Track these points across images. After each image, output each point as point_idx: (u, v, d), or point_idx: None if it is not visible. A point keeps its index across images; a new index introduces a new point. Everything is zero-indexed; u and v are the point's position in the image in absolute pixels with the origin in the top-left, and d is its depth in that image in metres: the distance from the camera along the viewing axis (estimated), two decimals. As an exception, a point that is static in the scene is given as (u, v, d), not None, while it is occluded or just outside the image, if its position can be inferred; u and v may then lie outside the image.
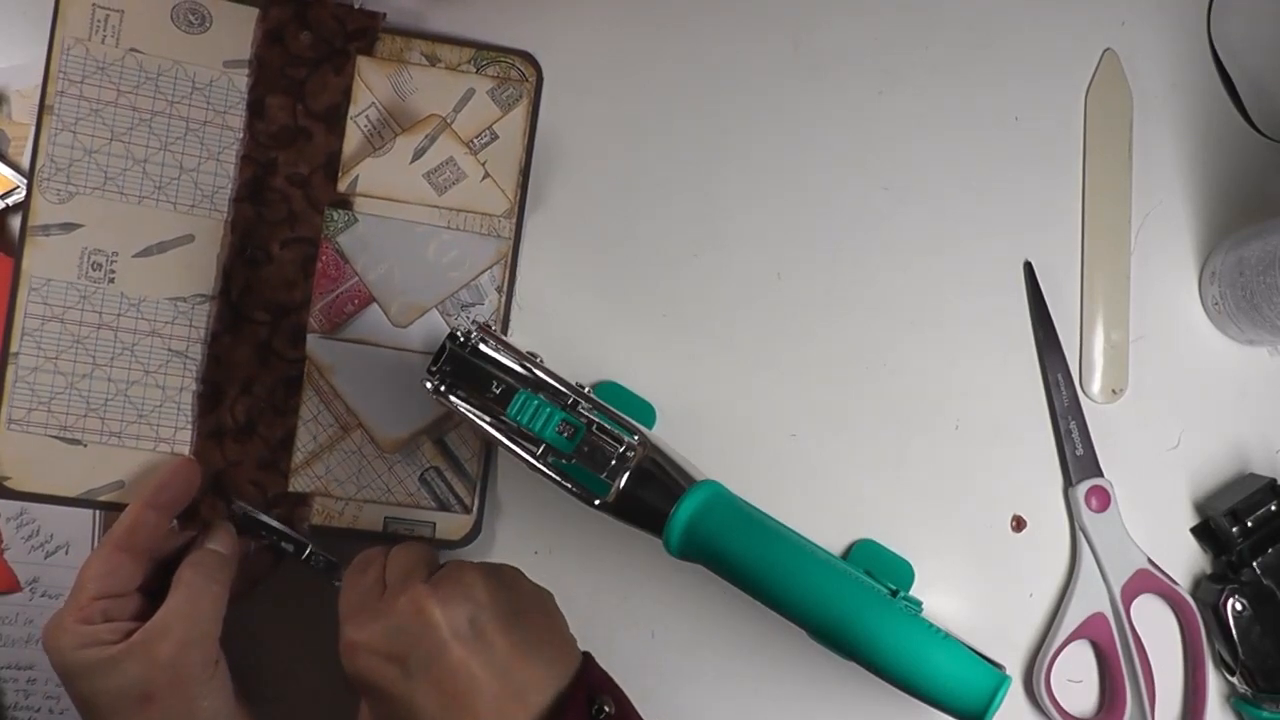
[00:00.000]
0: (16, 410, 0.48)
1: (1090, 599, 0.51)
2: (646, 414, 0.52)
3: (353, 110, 0.50)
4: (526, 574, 0.45)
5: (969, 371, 0.53)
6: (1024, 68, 0.55)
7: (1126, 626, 0.51)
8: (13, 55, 0.53)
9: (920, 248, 0.54)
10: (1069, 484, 0.53)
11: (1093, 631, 0.51)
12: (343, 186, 0.50)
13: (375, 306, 0.50)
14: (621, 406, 0.46)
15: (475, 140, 0.51)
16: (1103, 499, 0.52)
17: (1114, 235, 0.54)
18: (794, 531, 0.46)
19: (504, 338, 0.47)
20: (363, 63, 0.51)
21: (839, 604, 0.43)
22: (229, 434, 0.49)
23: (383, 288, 0.50)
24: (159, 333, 0.49)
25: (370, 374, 0.50)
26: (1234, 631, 0.50)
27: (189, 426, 0.49)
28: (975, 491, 0.53)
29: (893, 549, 0.52)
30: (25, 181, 0.52)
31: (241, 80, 0.50)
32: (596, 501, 0.44)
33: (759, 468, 0.52)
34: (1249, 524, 0.51)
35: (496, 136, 0.51)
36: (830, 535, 0.52)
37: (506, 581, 0.44)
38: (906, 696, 0.43)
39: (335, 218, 0.50)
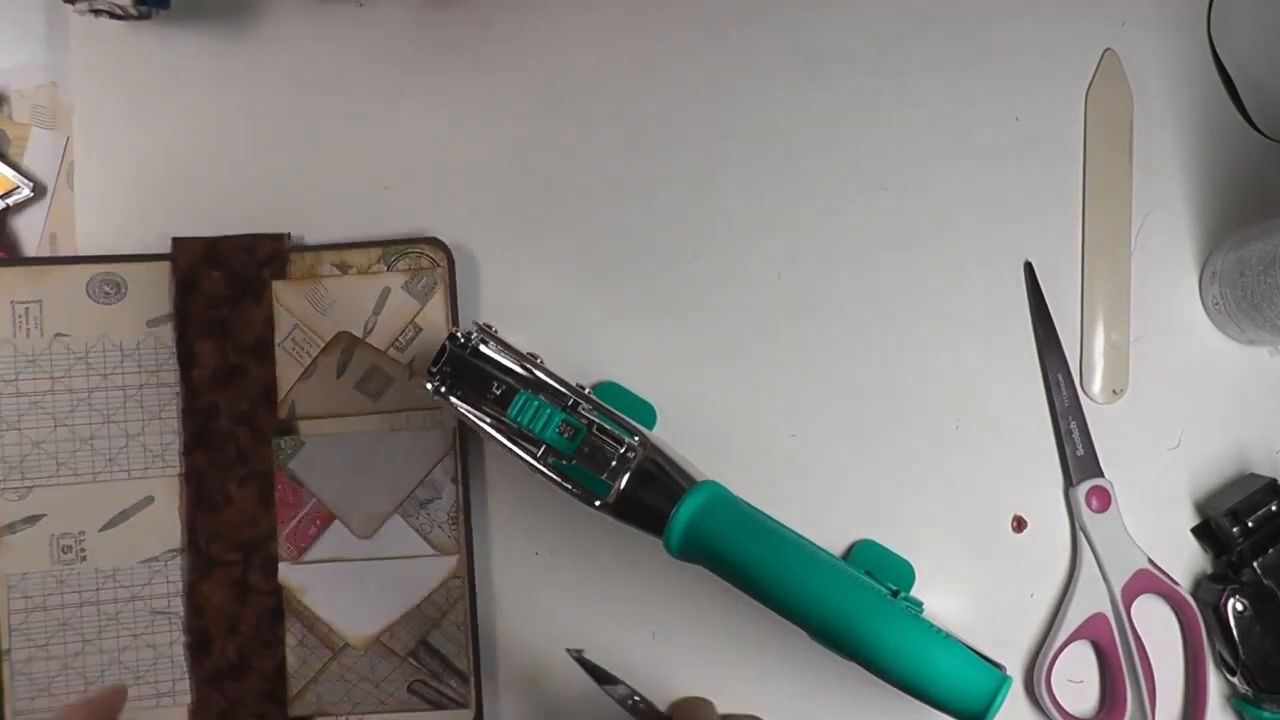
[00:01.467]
0: (19, 702, 0.49)
1: (1091, 599, 0.51)
2: (646, 414, 0.52)
3: (278, 337, 0.51)
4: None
5: (969, 372, 0.53)
6: (1024, 68, 0.55)
7: (1127, 626, 0.51)
8: (13, 55, 0.53)
9: (920, 248, 0.54)
10: (1069, 484, 0.53)
11: (1093, 631, 0.51)
12: (283, 413, 0.50)
13: (337, 523, 0.51)
14: (621, 407, 0.46)
15: (401, 338, 0.51)
16: (1103, 499, 0.52)
17: (1114, 235, 0.54)
18: (794, 532, 0.46)
19: (504, 339, 0.47)
20: (278, 287, 0.51)
21: (839, 604, 0.43)
22: (225, 675, 0.50)
23: (341, 504, 0.51)
24: (139, 596, 0.50)
25: (340, 585, 0.50)
26: (1234, 631, 0.50)
27: (185, 677, 0.50)
28: (975, 491, 0.53)
29: (893, 549, 0.52)
30: (27, 182, 0.52)
31: (167, 335, 0.51)
32: (597, 502, 0.44)
33: (759, 468, 0.52)
34: (1249, 524, 0.51)
35: (420, 329, 0.51)
36: (830, 535, 0.52)
37: None
38: (907, 697, 0.43)
39: (283, 445, 0.50)
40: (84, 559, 0.50)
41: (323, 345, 0.51)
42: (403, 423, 0.51)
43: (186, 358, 0.50)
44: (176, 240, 0.50)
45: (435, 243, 0.52)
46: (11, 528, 0.50)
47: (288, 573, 0.50)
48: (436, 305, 0.52)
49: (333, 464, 0.51)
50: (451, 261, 0.52)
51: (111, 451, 0.50)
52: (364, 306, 0.51)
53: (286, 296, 0.51)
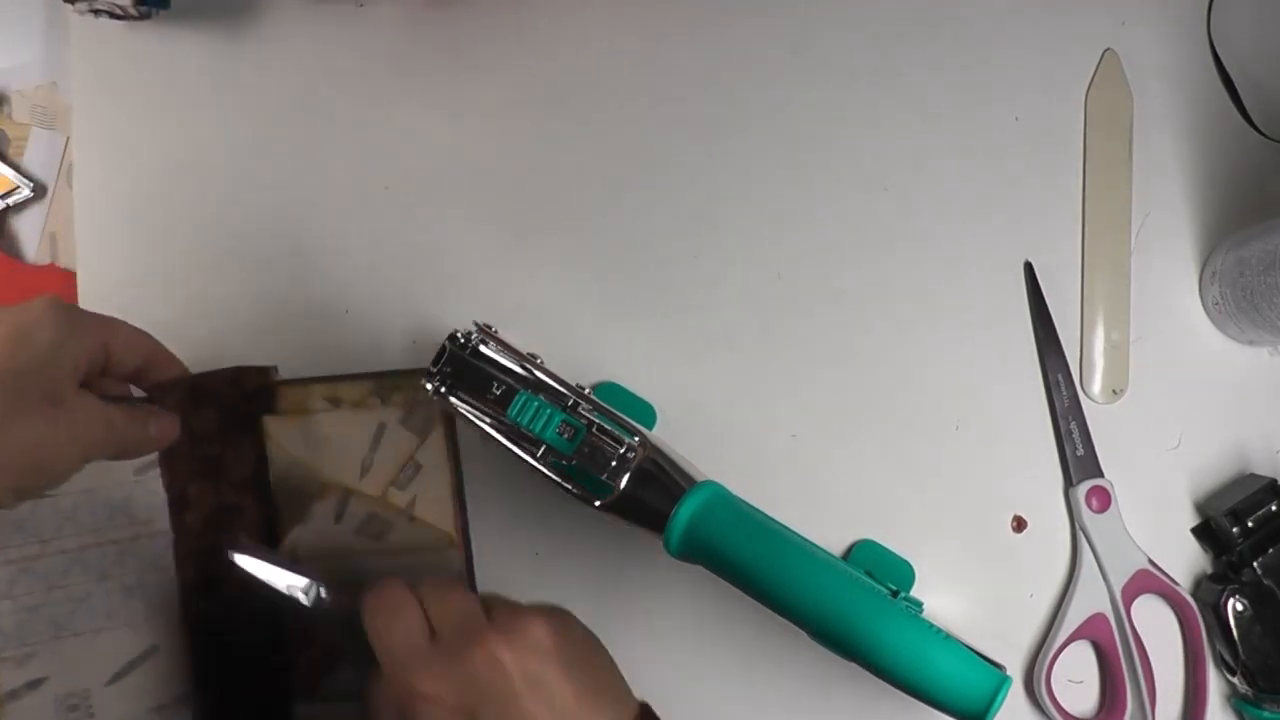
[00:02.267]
0: None
1: (1091, 599, 0.51)
2: (646, 414, 0.52)
3: (273, 474, 0.49)
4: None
5: (969, 371, 0.53)
6: (1024, 68, 0.55)
7: (1127, 627, 0.51)
8: (13, 55, 0.53)
9: (920, 248, 0.54)
10: (1069, 484, 0.53)
11: (1093, 632, 0.51)
12: (286, 555, 0.49)
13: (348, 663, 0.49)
14: (621, 407, 0.46)
15: (401, 476, 0.50)
16: (1103, 499, 0.52)
17: (1114, 235, 0.54)
18: (794, 532, 0.46)
19: (504, 339, 0.47)
20: (269, 422, 0.49)
21: (839, 605, 0.43)
22: None
23: (349, 641, 0.47)
24: None
25: None
26: (1234, 631, 0.50)
27: None
28: (975, 491, 0.53)
29: (893, 549, 0.52)
30: (27, 182, 0.52)
31: (156, 482, 0.49)
32: (597, 502, 0.44)
33: (759, 468, 0.52)
34: (1249, 524, 0.51)
35: (420, 466, 0.50)
36: (830, 535, 0.52)
37: (564, 626, 0.42)
38: (907, 697, 0.43)
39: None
40: (92, 715, 0.48)
41: (320, 484, 0.49)
42: (410, 561, 0.49)
43: (179, 503, 0.49)
44: (155, 386, 0.46)
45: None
46: (15, 694, 0.48)
47: (309, 712, 0.49)
48: (435, 441, 0.50)
49: (338, 604, 0.48)
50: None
51: (110, 607, 0.49)
52: (360, 444, 0.50)
53: (278, 432, 0.49)
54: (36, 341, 0.40)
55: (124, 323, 0.44)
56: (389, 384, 0.50)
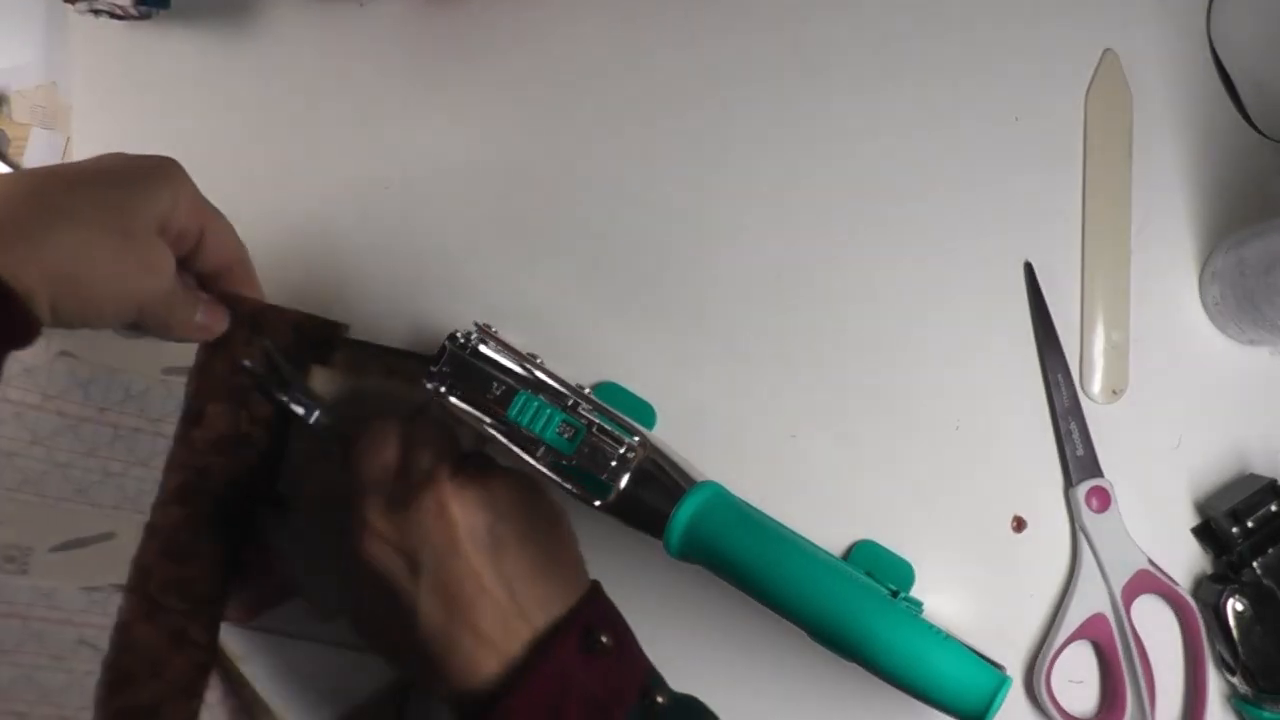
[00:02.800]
0: None
1: (1091, 599, 0.51)
2: (646, 414, 0.52)
3: (295, 421, 0.48)
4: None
5: (969, 371, 0.53)
6: (1024, 68, 0.55)
7: (1127, 627, 0.51)
8: (13, 55, 0.53)
9: (920, 248, 0.54)
10: (1069, 484, 0.53)
11: (1093, 632, 0.51)
12: (281, 488, 0.48)
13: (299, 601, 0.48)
14: (621, 407, 0.46)
15: None
16: (1103, 499, 0.52)
17: (1114, 235, 0.54)
18: (794, 532, 0.46)
19: (504, 339, 0.47)
20: (317, 373, 0.49)
21: (839, 605, 0.43)
22: (132, 716, 0.47)
23: (310, 583, 0.48)
24: (70, 621, 0.47)
25: (286, 665, 0.48)
26: (1234, 632, 0.50)
27: (90, 708, 0.47)
28: (975, 492, 0.53)
29: (893, 549, 0.52)
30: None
31: (180, 388, 0.48)
32: (597, 503, 0.44)
33: (759, 468, 0.52)
34: (1249, 524, 0.51)
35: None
36: (830, 535, 0.51)
37: (530, 492, 0.43)
38: (906, 697, 0.43)
39: (268, 517, 0.48)
40: (25, 573, 0.47)
41: (345, 433, 0.47)
42: None
43: (193, 416, 0.48)
44: (227, 294, 0.47)
45: None
46: None
47: (230, 636, 0.48)
48: (464, 431, 0.49)
49: (313, 541, 0.48)
50: None
51: (85, 483, 0.47)
52: (397, 412, 0.48)
53: (321, 383, 0.49)
54: (137, 178, 0.40)
55: (228, 222, 0.44)
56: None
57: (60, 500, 0.47)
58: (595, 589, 0.43)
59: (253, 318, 0.48)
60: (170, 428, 0.48)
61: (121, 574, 0.47)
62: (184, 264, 0.44)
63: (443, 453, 0.43)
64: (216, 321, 0.46)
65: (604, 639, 0.41)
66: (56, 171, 0.41)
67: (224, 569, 0.48)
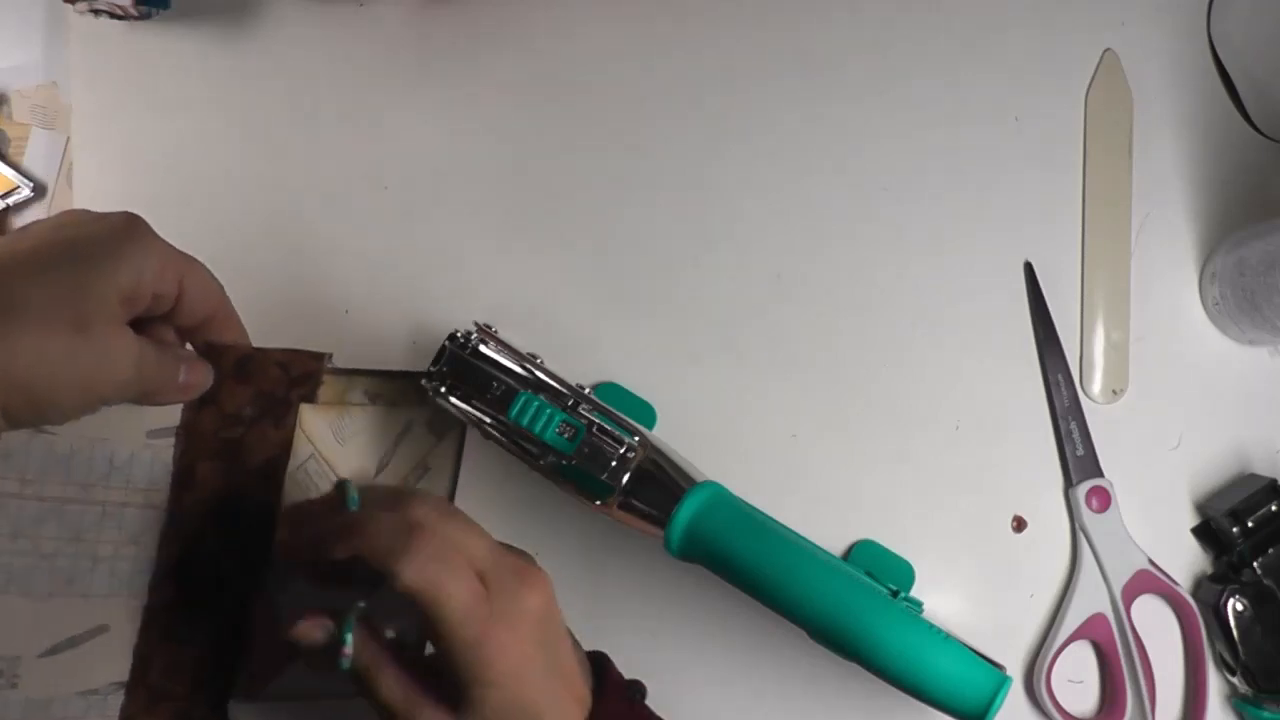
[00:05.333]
0: None
1: (1091, 599, 0.51)
2: (646, 414, 0.52)
3: (291, 464, 0.46)
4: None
5: (969, 371, 0.53)
6: (1024, 68, 0.55)
7: (1127, 627, 0.51)
8: (13, 55, 0.53)
9: (920, 248, 0.54)
10: (1069, 484, 0.53)
11: (1093, 632, 0.51)
12: (281, 537, 0.45)
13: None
14: (621, 407, 0.46)
15: (409, 477, 0.49)
16: (1103, 499, 0.52)
17: (1114, 235, 0.54)
18: (794, 532, 0.46)
19: (504, 339, 0.47)
20: (305, 412, 0.46)
21: (839, 605, 0.43)
22: None
23: None
24: None
25: None
26: (1235, 632, 0.50)
27: None
28: (975, 491, 0.53)
29: (893, 549, 0.52)
30: (27, 182, 0.52)
31: (167, 451, 0.44)
32: (597, 502, 0.44)
33: (759, 468, 0.52)
34: (1249, 524, 0.51)
35: (429, 470, 0.49)
36: (830, 535, 0.51)
37: (540, 570, 0.41)
38: (907, 697, 0.43)
39: (270, 575, 0.45)
40: (15, 686, 0.43)
41: (334, 479, 0.46)
42: None
43: (184, 478, 0.44)
44: (209, 346, 0.43)
45: None
46: None
47: (239, 713, 0.44)
48: (449, 445, 0.49)
49: (315, 595, 0.44)
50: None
51: (73, 573, 0.44)
52: (385, 439, 0.48)
53: (311, 423, 0.47)
54: (96, 250, 0.36)
55: (205, 269, 0.40)
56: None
57: (49, 596, 0.44)
58: (603, 655, 0.43)
59: (237, 364, 0.45)
60: (160, 497, 0.45)
61: (120, 670, 0.44)
62: (163, 319, 0.40)
63: (494, 544, 0.39)
64: (201, 378, 0.42)
65: (643, 689, 0.41)
66: (4, 253, 0.36)
67: (228, 642, 0.45)
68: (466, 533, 0.38)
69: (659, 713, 0.43)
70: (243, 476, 0.45)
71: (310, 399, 0.46)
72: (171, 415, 0.45)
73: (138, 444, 0.44)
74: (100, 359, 0.36)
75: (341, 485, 0.40)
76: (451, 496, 0.50)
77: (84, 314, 0.35)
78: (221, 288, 0.41)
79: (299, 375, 0.45)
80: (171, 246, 0.39)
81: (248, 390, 0.44)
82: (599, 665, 0.42)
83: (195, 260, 0.40)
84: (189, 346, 0.43)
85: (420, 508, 0.38)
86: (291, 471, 0.46)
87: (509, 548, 0.40)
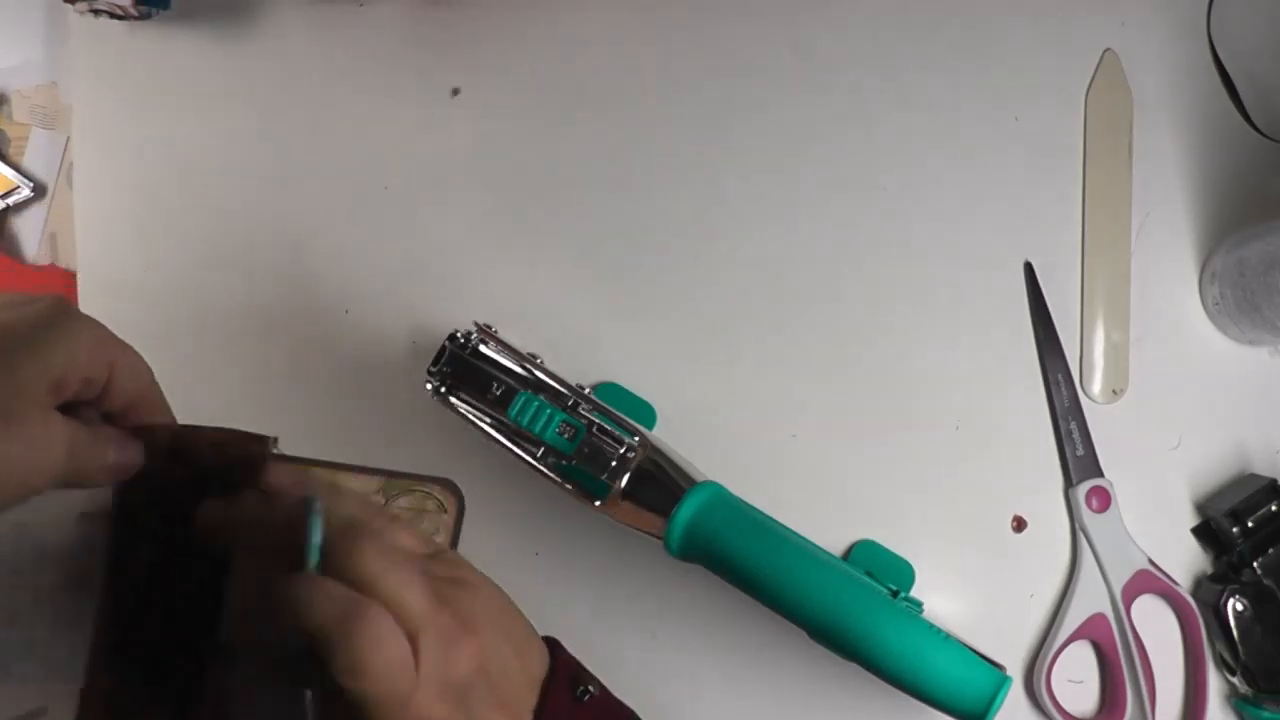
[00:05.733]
0: None
1: (1091, 599, 0.51)
2: (646, 415, 0.52)
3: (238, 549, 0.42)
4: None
5: (969, 372, 0.53)
6: (1024, 68, 0.55)
7: (1127, 627, 0.51)
8: (13, 55, 0.53)
9: (920, 248, 0.54)
10: (1069, 484, 0.53)
11: (1093, 632, 0.51)
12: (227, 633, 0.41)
13: None
14: (621, 407, 0.46)
15: None
16: (1103, 499, 0.52)
17: (1114, 235, 0.54)
18: (794, 532, 0.46)
19: (504, 339, 0.47)
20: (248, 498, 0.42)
21: (839, 605, 0.43)
22: None
23: None
24: None
25: None
26: (1235, 632, 0.50)
27: None
28: (975, 492, 0.53)
29: (893, 549, 0.52)
30: (27, 182, 0.52)
31: (99, 534, 0.43)
32: (597, 503, 0.44)
33: (759, 468, 0.52)
34: (1249, 524, 0.51)
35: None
36: (830, 535, 0.51)
37: (482, 579, 0.40)
38: (906, 697, 0.43)
39: (216, 664, 0.42)
40: None
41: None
42: None
43: (119, 560, 0.42)
44: (137, 429, 0.41)
45: (447, 485, 0.46)
46: None
47: None
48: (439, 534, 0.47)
49: (269, 690, 0.41)
50: (461, 508, 0.46)
51: (6, 659, 0.42)
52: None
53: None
54: (23, 340, 0.35)
55: (135, 353, 0.39)
56: (399, 485, 0.46)
57: None
58: (555, 644, 0.41)
59: (170, 443, 0.42)
60: (94, 580, 0.42)
61: None
62: (89, 404, 0.39)
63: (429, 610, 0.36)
64: (132, 457, 0.40)
65: (591, 688, 0.40)
66: None
67: None
68: (403, 588, 0.35)
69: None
70: (183, 558, 0.42)
71: (253, 484, 0.42)
72: (104, 496, 0.43)
73: (68, 527, 0.43)
74: (30, 448, 0.36)
75: (309, 517, 0.36)
76: None
77: (11, 404, 0.35)
78: (149, 370, 0.40)
79: (238, 458, 0.42)
80: (102, 329, 0.38)
81: (182, 471, 0.42)
82: (556, 655, 0.41)
83: (124, 344, 0.39)
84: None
85: (367, 560, 0.35)
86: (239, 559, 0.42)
87: (449, 576, 0.38)
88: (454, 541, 0.46)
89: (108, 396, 0.39)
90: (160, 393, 0.41)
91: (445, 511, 0.46)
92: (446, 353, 0.46)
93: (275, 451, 0.42)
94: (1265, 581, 0.51)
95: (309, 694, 0.35)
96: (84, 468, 0.38)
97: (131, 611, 0.42)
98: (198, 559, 0.41)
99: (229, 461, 0.42)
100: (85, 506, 0.42)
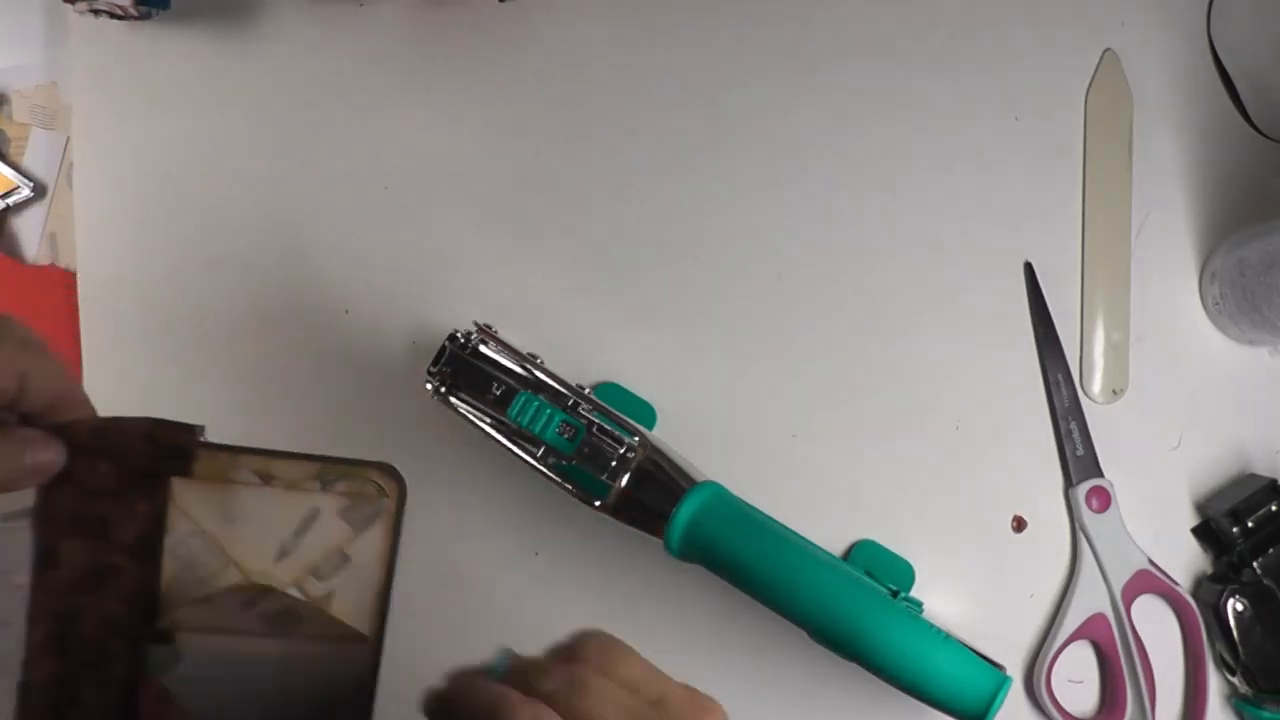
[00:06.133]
0: None
1: (1091, 599, 0.51)
2: (646, 415, 0.52)
3: (169, 539, 0.43)
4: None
5: (969, 371, 0.53)
6: (1024, 68, 0.55)
7: (1127, 627, 0.51)
8: (13, 55, 0.53)
9: (920, 248, 0.54)
10: (1069, 484, 0.53)
11: (1093, 632, 0.51)
12: (165, 621, 0.42)
13: None
14: (621, 407, 0.46)
15: (323, 566, 0.45)
16: (1103, 499, 0.52)
17: (1114, 235, 0.54)
18: (794, 532, 0.46)
19: (504, 339, 0.47)
20: (178, 486, 0.43)
21: (840, 605, 0.43)
22: None
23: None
24: None
25: None
26: (1235, 632, 0.50)
27: None
28: (975, 492, 0.53)
29: (893, 549, 0.52)
30: (27, 182, 0.52)
31: (25, 532, 0.42)
32: (597, 503, 0.44)
33: (759, 468, 0.52)
34: (1249, 524, 0.51)
35: (348, 559, 0.45)
36: (830, 535, 0.52)
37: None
38: (907, 697, 0.43)
39: (158, 655, 0.42)
40: None
41: (226, 557, 0.43)
42: (312, 650, 0.44)
43: (46, 558, 0.41)
44: (58, 425, 0.40)
45: (387, 469, 0.45)
46: None
47: None
48: (373, 537, 0.45)
49: (215, 681, 0.43)
50: (403, 493, 0.45)
51: None
52: (285, 526, 0.44)
53: (186, 499, 0.43)
54: None
55: (52, 358, 0.38)
56: (336, 470, 0.45)
57: None
58: None
59: (92, 438, 0.41)
60: (23, 576, 0.42)
61: None
62: (4, 409, 0.39)
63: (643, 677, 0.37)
64: (50, 457, 0.40)
65: None
66: None
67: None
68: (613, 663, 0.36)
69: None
70: (113, 553, 0.42)
71: (184, 473, 0.42)
72: (26, 495, 0.42)
73: None
74: None
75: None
76: (384, 592, 0.46)
77: None
78: (64, 369, 0.40)
79: (168, 448, 0.42)
80: (9, 337, 0.38)
81: (108, 464, 0.42)
82: None
83: (41, 350, 0.39)
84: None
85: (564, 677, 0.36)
86: (171, 547, 0.43)
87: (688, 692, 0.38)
88: (396, 527, 0.45)
89: (22, 402, 0.38)
90: (81, 390, 0.41)
91: (386, 496, 0.44)
92: (446, 353, 0.46)
93: (203, 440, 0.42)
94: (1265, 581, 0.51)
95: None
96: (1, 477, 0.38)
97: (65, 608, 0.42)
98: (132, 555, 0.41)
99: (157, 452, 0.42)
100: (9, 508, 0.42)
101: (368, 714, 0.44)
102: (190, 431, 0.42)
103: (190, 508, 0.43)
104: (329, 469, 0.44)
